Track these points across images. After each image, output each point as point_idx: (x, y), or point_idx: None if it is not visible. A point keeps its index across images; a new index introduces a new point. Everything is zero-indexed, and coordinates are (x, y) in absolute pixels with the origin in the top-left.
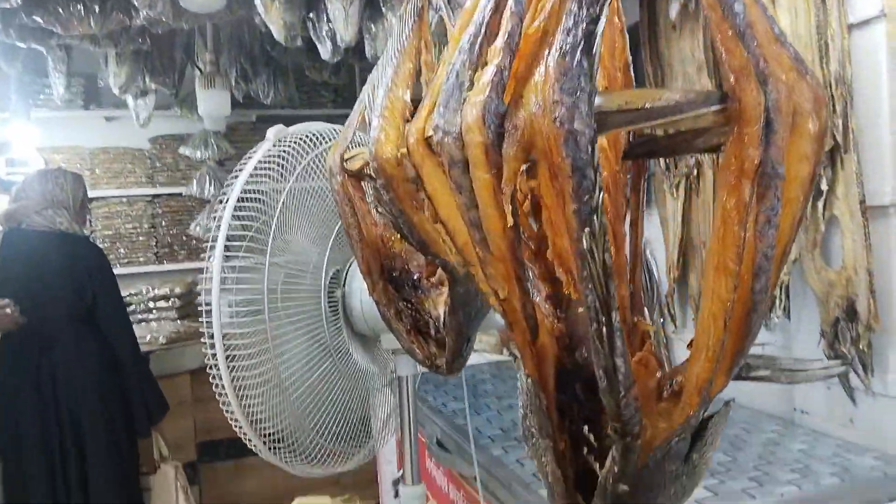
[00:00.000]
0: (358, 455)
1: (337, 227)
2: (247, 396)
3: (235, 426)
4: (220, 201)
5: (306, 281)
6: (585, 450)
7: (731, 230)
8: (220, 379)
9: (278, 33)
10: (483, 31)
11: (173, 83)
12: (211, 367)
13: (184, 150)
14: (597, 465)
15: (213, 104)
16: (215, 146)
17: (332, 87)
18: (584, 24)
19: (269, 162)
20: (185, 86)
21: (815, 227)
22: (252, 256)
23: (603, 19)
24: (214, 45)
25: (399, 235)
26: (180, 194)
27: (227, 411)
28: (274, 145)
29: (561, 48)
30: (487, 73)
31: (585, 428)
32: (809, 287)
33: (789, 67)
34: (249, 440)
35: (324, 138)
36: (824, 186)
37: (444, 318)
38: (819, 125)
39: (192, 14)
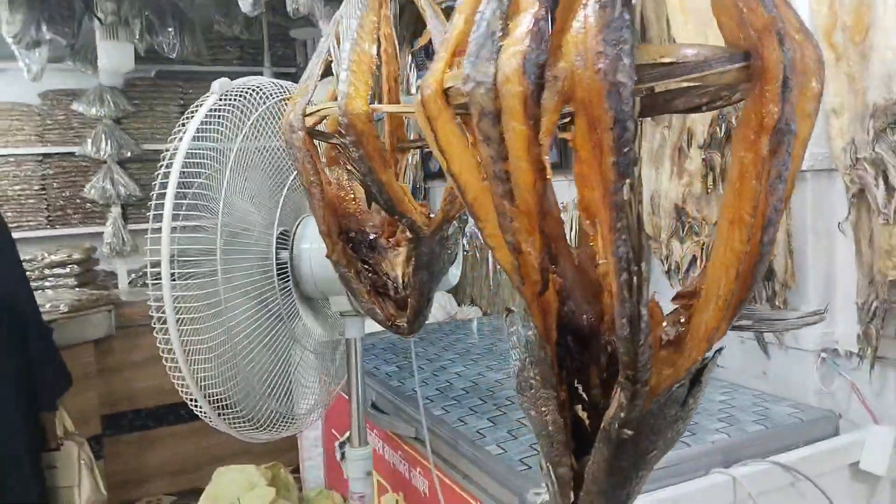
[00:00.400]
0: (305, 418)
1: (287, 188)
2: (194, 362)
3: (184, 393)
4: (164, 158)
5: (251, 243)
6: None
7: (748, 184)
8: (170, 345)
9: None
10: None
11: (72, 33)
12: (157, 333)
13: (77, 107)
14: (584, 415)
15: (115, 57)
16: (112, 103)
17: (240, 42)
18: None
19: (215, 117)
20: (83, 37)
21: None
22: (199, 216)
23: None
24: None
25: (355, 195)
26: (73, 154)
27: (175, 377)
28: (220, 99)
29: None
30: (524, 23)
31: (575, 379)
32: None
33: (797, 28)
34: (198, 406)
35: (268, 94)
36: None
37: (406, 279)
38: (820, 86)
39: None
